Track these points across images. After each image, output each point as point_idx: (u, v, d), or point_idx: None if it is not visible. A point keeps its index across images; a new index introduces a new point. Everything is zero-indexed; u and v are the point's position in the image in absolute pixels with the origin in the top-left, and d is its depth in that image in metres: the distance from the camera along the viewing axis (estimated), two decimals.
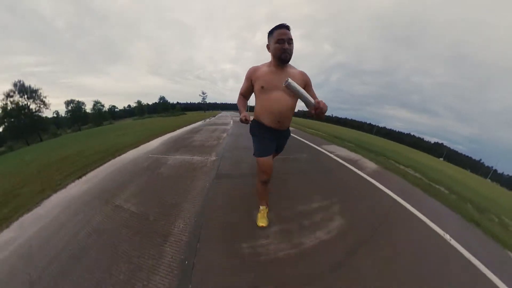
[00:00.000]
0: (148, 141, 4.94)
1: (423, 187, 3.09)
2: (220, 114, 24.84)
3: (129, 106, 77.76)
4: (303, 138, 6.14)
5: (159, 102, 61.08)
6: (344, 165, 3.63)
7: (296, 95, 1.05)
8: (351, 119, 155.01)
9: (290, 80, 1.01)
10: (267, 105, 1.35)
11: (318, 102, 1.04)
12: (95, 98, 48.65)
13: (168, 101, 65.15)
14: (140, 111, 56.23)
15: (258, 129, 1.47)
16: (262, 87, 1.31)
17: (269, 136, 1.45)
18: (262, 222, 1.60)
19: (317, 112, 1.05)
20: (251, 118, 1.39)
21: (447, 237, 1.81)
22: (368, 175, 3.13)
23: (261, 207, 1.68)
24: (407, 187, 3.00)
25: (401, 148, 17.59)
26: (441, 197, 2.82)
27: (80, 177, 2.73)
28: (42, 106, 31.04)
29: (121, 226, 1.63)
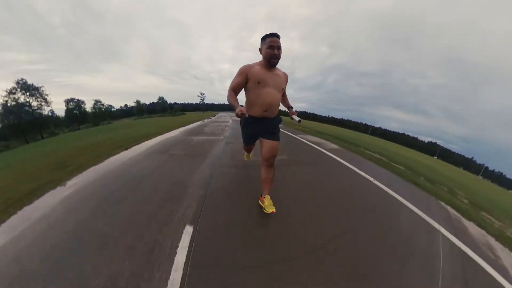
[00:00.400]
0: (167, 132, 6.14)
1: (381, 164, 3.98)
2: (219, 115, 25.97)
3: (125, 105, 76.85)
4: (285, 131, 7.33)
5: (158, 102, 61.95)
6: (307, 143, 5.04)
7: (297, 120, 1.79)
8: (347, 119, 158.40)
9: (300, 120, 1.78)
10: (259, 98, 1.55)
11: (300, 120, 1.82)
12: (90, 97, 48.06)
13: (167, 101, 65.92)
14: (139, 111, 56.61)
15: (246, 122, 1.75)
16: (259, 82, 1.51)
17: (255, 128, 1.73)
18: (247, 157, 2.84)
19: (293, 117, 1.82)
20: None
21: (372, 179, 2.92)
22: (325, 150, 4.37)
23: (246, 154, 2.87)
24: (358, 158, 4.09)
25: (388, 145, 18.16)
26: (394, 169, 3.73)
27: (126, 149, 3.83)
28: (43, 103, 31.53)
29: (177, 159, 3.23)
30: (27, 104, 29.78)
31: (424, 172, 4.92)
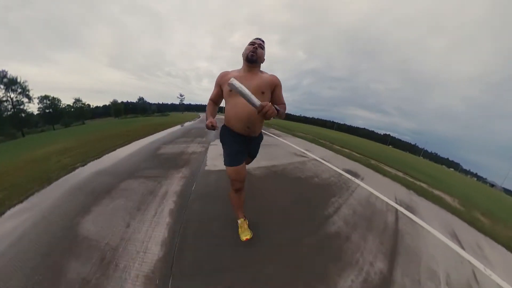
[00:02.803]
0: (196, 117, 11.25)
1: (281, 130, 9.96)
2: (204, 115, 28.30)
3: (88, 105, 73.91)
4: None
5: (138, 102, 62.28)
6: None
7: (241, 96, 1.05)
8: (317, 118, 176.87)
9: (233, 80, 1.03)
10: (236, 110, 1.33)
11: (262, 106, 1.05)
12: (36, 93, 41.06)
13: (133, 101, 64.27)
14: (117, 111, 55.57)
15: (228, 136, 1.44)
16: (231, 90, 1.24)
17: (239, 143, 1.41)
18: (245, 235, 1.46)
19: (260, 113, 1.06)
20: (218, 123, 1.29)
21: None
22: (274, 134, 10.05)
23: (239, 221, 1.55)
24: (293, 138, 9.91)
25: (343, 135, 21.00)
26: (321, 143, 9.71)
27: (165, 129, 8.93)
28: (25, 100, 29.92)
29: (196, 131, 8.35)
30: (7, 99, 28.04)
31: (355, 148, 7.56)
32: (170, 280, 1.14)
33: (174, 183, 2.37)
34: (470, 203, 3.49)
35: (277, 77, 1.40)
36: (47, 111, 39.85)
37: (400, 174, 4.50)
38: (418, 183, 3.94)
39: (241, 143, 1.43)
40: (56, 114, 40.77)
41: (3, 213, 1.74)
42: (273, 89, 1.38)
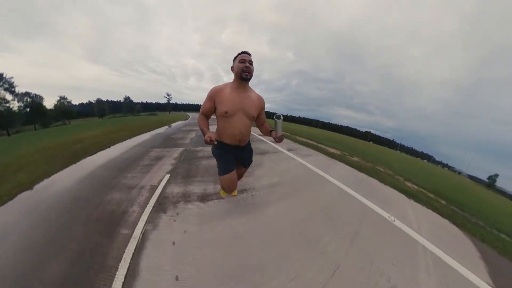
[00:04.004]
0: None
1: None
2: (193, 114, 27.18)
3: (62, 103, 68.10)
4: None
5: (125, 101, 61.75)
6: None
7: (275, 125, 1.41)
8: (304, 117, 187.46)
9: (281, 118, 1.37)
10: (229, 127, 1.46)
11: (282, 136, 1.43)
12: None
13: (114, 100, 61.45)
14: (100, 110, 52.15)
15: (220, 149, 1.57)
16: (226, 112, 1.39)
17: (230, 154, 1.57)
18: (225, 195, 2.07)
19: (277, 140, 1.43)
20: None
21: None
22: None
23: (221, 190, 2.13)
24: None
25: (313, 130, 22.98)
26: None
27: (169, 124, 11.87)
28: (9, 95, 27.64)
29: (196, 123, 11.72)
30: None
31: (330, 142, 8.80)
32: (192, 144, 5.19)
33: (193, 132, 7.07)
34: (364, 157, 6.70)
35: (263, 99, 1.58)
36: (27, 109, 37.86)
37: (308, 140, 7.64)
38: (319, 145, 7.17)
39: (231, 154, 1.57)
40: (38, 113, 36.44)
41: (133, 137, 5.79)
42: (260, 110, 1.56)
